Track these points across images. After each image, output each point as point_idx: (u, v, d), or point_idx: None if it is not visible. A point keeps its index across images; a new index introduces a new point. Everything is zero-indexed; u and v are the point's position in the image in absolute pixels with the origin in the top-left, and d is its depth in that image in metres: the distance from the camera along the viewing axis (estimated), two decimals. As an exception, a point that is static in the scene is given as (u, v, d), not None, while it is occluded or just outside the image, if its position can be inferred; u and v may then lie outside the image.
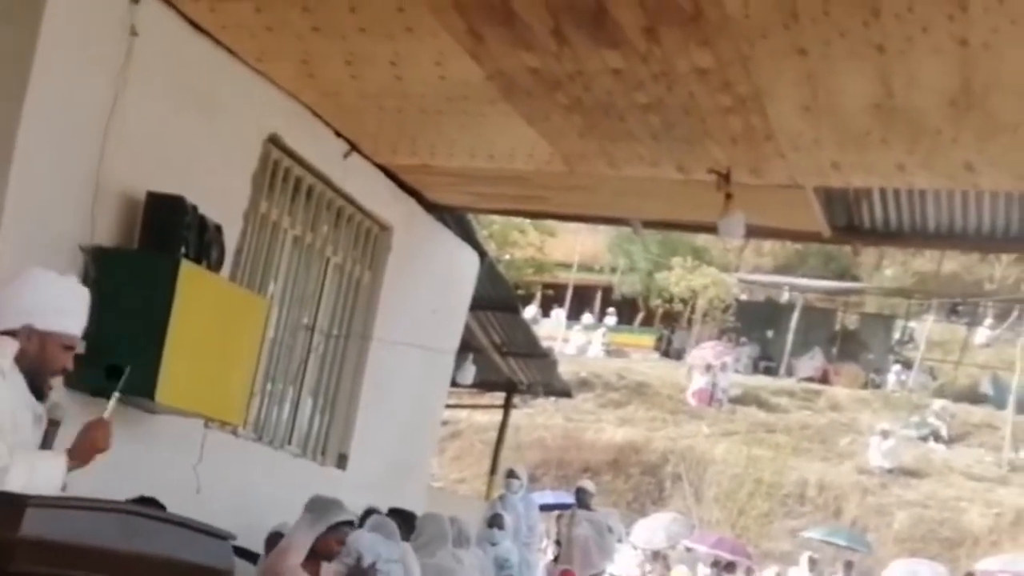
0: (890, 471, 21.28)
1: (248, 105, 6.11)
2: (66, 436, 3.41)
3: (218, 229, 5.55)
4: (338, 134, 6.91)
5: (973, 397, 26.18)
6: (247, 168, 6.23)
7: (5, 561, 2.91)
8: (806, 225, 7.48)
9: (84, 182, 5.00)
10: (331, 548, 5.72)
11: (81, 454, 3.34)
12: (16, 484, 3.08)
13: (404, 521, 7.28)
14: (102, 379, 4.99)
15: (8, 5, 4.76)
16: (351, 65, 5.84)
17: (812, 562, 16.93)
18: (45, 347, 3.32)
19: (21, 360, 3.28)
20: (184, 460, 5.70)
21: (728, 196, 6.45)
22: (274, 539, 6.01)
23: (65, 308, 3.38)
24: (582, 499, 11.65)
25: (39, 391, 3.35)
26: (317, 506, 5.78)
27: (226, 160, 6.02)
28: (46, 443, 3.36)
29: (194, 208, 5.35)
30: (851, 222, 7.51)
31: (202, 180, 5.61)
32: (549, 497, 15.98)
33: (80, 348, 4.93)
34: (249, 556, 5.78)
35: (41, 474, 3.18)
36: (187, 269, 5.19)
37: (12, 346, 3.26)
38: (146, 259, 5.20)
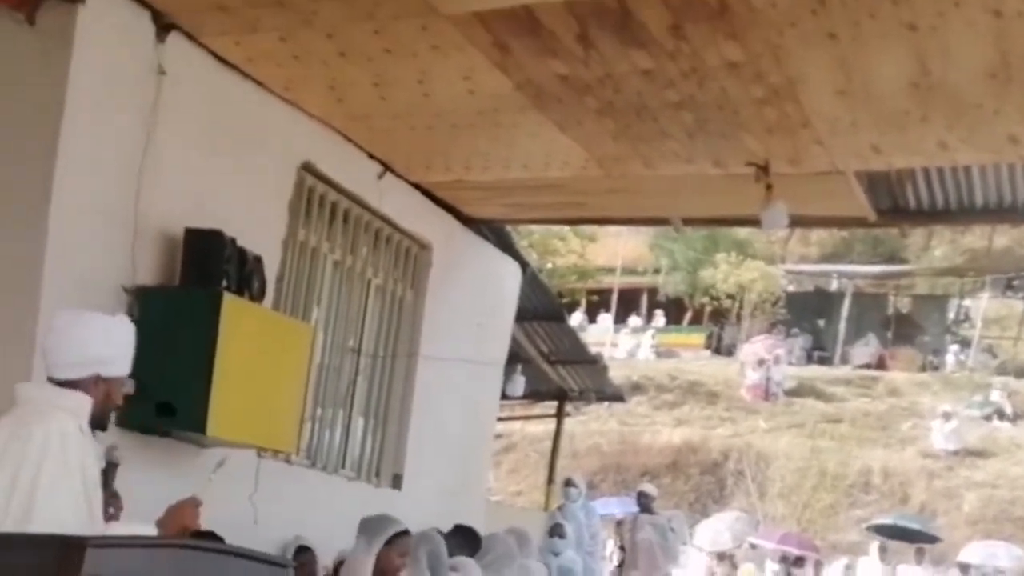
0: (955, 453, 21.04)
1: (280, 134, 6.13)
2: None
3: (258, 260, 5.56)
4: (371, 156, 6.93)
5: (1036, 372, 25.83)
6: (283, 197, 6.26)
7: (72, 602, 2.92)
8: (850, 211, 7.39)
9: (122, 222, 5.04)
10: (393, 562, 5.70)
11: (170, 529, 3.35)
12: None
13: (468, 538, 7.26)
14: (152, 417, 5.05)
15: (37, 52, 4.82)
16: (379, 87, 5.84)
17: (883, 550, 16.69)
18: (110, 393, 3.34)
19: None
20: (240, 492, 5.71)
21: (768, 187, 6.39)
22: (299, 552, 5.99)
23: (126, 352, 3.40)
24: (644, 504, 11.60)
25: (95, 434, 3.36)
26: (369, 526, 5.77)
27: (261, 190, 6.04)
28: (106, 486, 3.40)
29: (233, 241, 5.37)
30: (896, 204, 7.42)
31: (239, 212, 5.63)
32: (614, 505, 15.87)
33: (130, 388, 5.00)
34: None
35: None
36: (230, 301, 5.21)
37: (87, 403, 3.25)
38: (189, 295, 5.22)
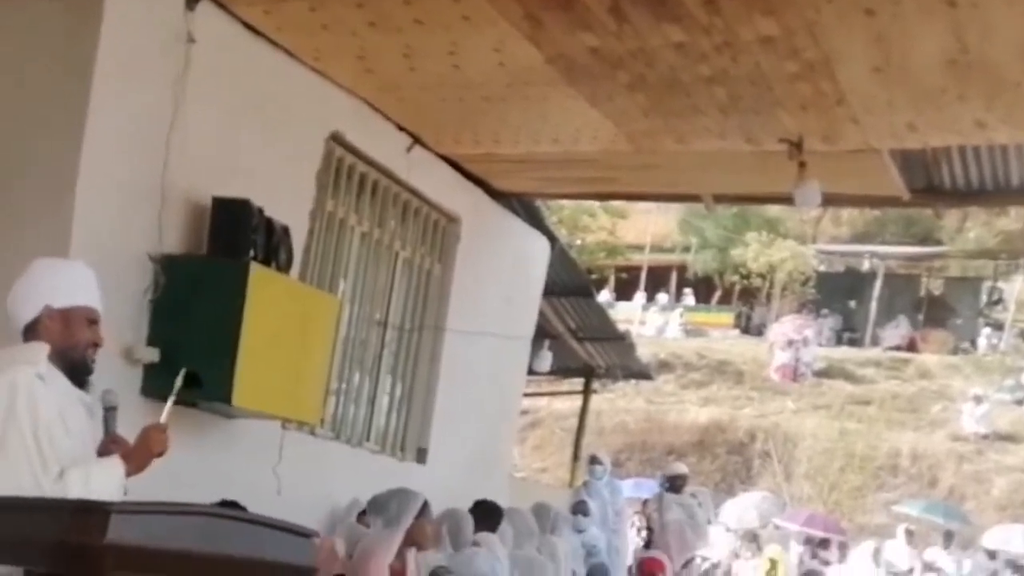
0: (985, 437, 20.96)
1: (308, 104, 6.10)
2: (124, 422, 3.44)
3: (285, 230, 5.55)
4: (400, 128, 6.89)
5: (1069, 356, 25.58)
6: (311, 167, 6.23)
7: (94, 568, 2.94)
8: (884, 190, 7.36)
9: (150, 192, 5.03)
10: (421, 535, 5.71)
11: (137, 459, 3.34)
12: (73, 493, 3.10)
13: (489, 513, 7.26)
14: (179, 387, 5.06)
15: (65, 22, 4.81)
16: (409, 58, 5.81)
17: (910, 534, 16.61)
18: (69, 324, 3.32)
19: (54, 354, 3.28)
20: (264, 462, 5.73)
21: (801, 165, 6.34)
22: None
23: (77, 283, 3.39)
24: (674, 484, 11.44)
25: (82, 381, 3.36)
26: (388, 502, 5.77)
27: (290, 161, 6.02)
28: (107, 430, 3.41)
29: (260, 211, 5.35)
30: (931, 183, 7.35)
31: (267, 182, 5.61)
32: (642, 489, 15.67)
33: (151, 356, 5.02)
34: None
35: (98, 481, 3.19)
36: (257, 272, 5.20)
37: (43, 348, 3.27)
38: (216, 264, 5.21)
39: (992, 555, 16.16)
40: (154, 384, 4.97)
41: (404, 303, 7.46)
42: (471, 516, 7.00)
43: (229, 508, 4.64)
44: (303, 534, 3.78)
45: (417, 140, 7.05)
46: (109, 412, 3.44)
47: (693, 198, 8.98)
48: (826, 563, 16.24)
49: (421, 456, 7.63)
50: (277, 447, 5.80)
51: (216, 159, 5.40)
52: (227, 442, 5.49)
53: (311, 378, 5.70)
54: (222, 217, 5.29)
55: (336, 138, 6.40)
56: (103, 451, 3.37)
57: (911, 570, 15.85)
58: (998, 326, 26.81)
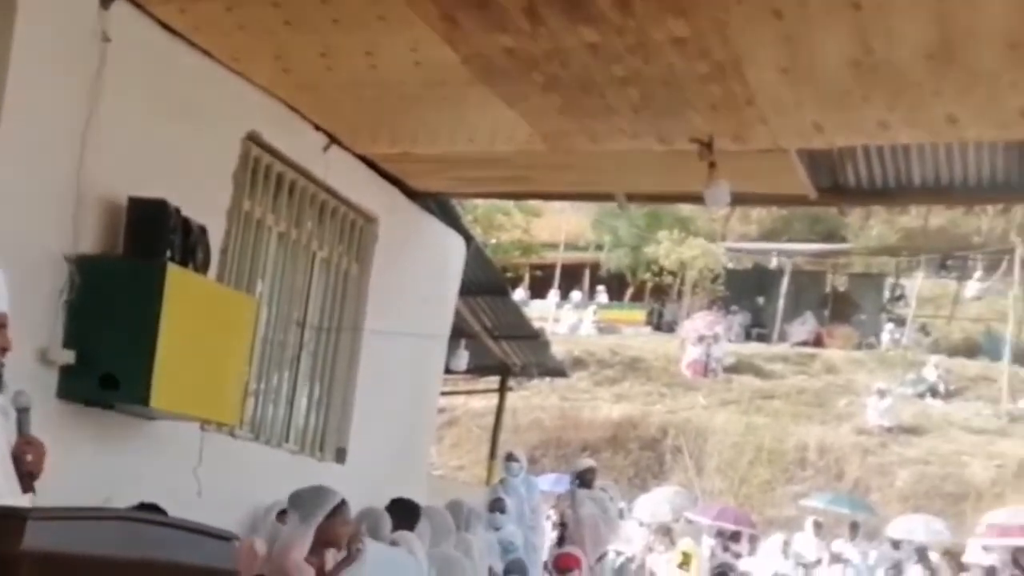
0: (889, 430, 21.41)
1: (225, 104, 6.07)
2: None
3: (203, 230, 5.52)
4: (317, 127, 6.88)
5: (968, 351, 26.32)
6: (228, 167, 6.20)
7: None
8: (792, 189, 7.46)
9: (64, 191, 4.97)
10: (338, 533, 5.67)
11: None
12: None
13: (407, 511, 7.27)
14: (96, 389, 5.01)
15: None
16: (326, 57, 5.81)
17: (817, 526, 16.99)
18: None
19: None
20: (183, 464, 5.68)
21: (712, 165, 6.41)
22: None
23: None
24: (584, 479, 11.56)
25: None
26: (305, 499, 5.73)
27: (206, 160, 5.98)
28: (21, 431, 3.37)
29: (177, 210, 5.32)
30: (836, 183, 7.48)
31: (183, 182, 5.57)
32: (553, 483, 15.77)
33: (66, 358, 4.95)
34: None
35: None
36: (174, 272, 5.16)
37: None
38: (132, 265, 5.17)
39: (896, 545, 16.61)
40: (70, 386, 4.91)
41: (322, 303, 7.45)
42: (389, 515, 7.01)
43: (148, 511, 4.62)
44: (224, 537, 3.78)
45: (334, 140, 7.04)
46: (22, 413, 3.40)
47: (607, 197, 9.00)
48: (737, 556, 16.53)
49: (340, 456, 7.63)
50: (196, 449, 5.76)
51: (132, 158, 5.35)
52: (145, 444, 5.44)
53: (229, 379, 5.67)
54: (138, 217, 5.24)
55: (253, 138, 6.38)
56: (17, 452, 3.33)
57: (819, 561, 16.22)
58: (900, 322, 27.43)
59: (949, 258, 29.44)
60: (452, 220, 9.00)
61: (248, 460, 6.55)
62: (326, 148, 7.02)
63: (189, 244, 5.39)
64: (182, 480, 5.61)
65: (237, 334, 5.73)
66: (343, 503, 5.71)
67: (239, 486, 6.26)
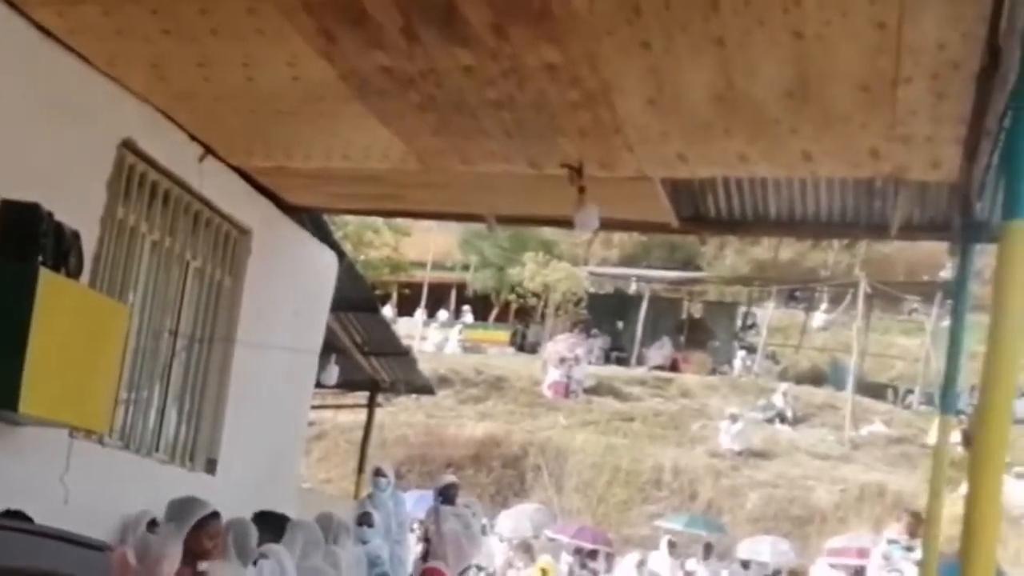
0: (740, 453, 21.91)
1: (101, 110, 6.04)
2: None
3: (76, 236, 5.47)
4: (193, 137, 6.87)
5: (814, 379, 27.26)
6: (102, 173, 6.16)
7: None
8: (655, 216, 7.64)
9: (-66, 192, 4.89)
10: (203, 545, 5.65)
11: None
12: None
13: (273, 523, 7.28)
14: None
15: None
16: (203, 68, 5.81)
17: (672, 545, 17.40)
18: None
19: None
20: (50, 471, 5.61)
21: (581, 190, 6.55)
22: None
23: None
24: (447, 495, 11.65)
25: None
26: (176, 509, 5.73)
27: (81, 166, 5.93)
28: None
29: (50, 215, 5.26)
30: (697, 212, 7.70)
31: (57, 187, 5.52)
32: (417, 503, 15.74)
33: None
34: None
35: None
36: (46, 277, 5.11)
37: None
38: (3, 269, 5.09)
39: (746, 565, 17.17)
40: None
41: (195, 314, 7.41)
42: (255, 526, 7.00)
43: (14, 519, 4.56)
44: (95, 547, 3.75)
45: (210, 150, 7.03)
46: None
47: (477, 218, 9.02)
48: (595, 573, 16.81)
49: (211, 467, 7.58)
50: (64, 456, 5.69)
51: (5, 161, 5.27)
52: (11, 450, 5.34)
53: (100, 386, 5.62)
54: (10, 220, 5.17)
55: (128, 145, 6.34)
56: None
57: (672, 579, 16.62)
58: (752, 349, 28.21)
59: (798, 289, 30.42)
60: (325, 236, 9.03)
61: (117, 469, 6.47)
62: (201, 158, 7.00)
63: (62, 249, 5.34)
64: (49, 487, 5.53)
65: (108, 341, 5.69)
66: (213, 514, 5.71)
67: (107, 495, 6.17)
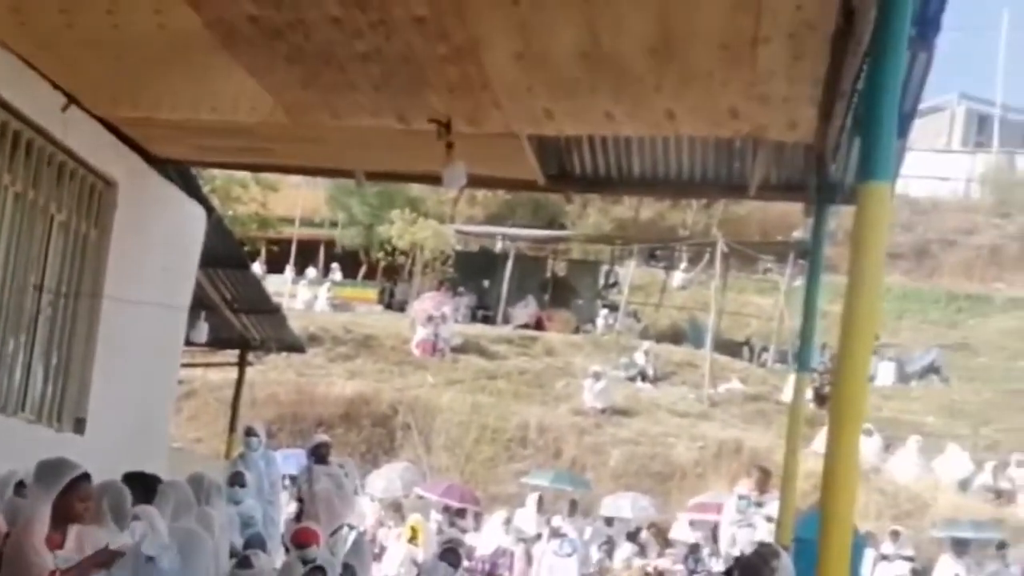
0: (603, 411, 22.13)
1: (-42, 57, 5.86)
2: None
3: (-66, 186, 5.33)
4: (56, 86, 6.71)
5: (674, 337, 27.86)
6: (-40, 122, 5.99)
7: None
8: (522, 173, 7.72)
9: None
10: (74, 508, 5.50)
11: None
12: None
13: (143, 484, 7.19)
14: None
15: None
16: (66, 14, 5.69)
17: (540, 502, 17.70)
18: None
19: None
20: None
21: (449, 146, 6.59)
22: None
23: None
24: (319, 454, 11.61)
25: None
26: (44, 471, 5.59)
27: (-63, 114, 5.76)
28: None
29: (-94, 165, 5.13)
30: (563, 170, 7.81)
31: (-86, 136, 5.37)
32: (291, 464, 15.58)
33: None
34: None
35: None
36: (-96, 228, 4.99)
37: None
38: None
39: (609, 522, 17.60)
40: None
41: (60, 268, 7.26)
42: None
43: None
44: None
45: (73, 100, 6.87)
46: None
47: (346, 174, 9.04)
48: (463, 531, 16.95)
49: (79, 426, 7.45)
50: (-79, 414, 5.55)
51: None
52: None
53: (-39, 342, 5.50)
54: None
55: (-13, 93, 6.18)
56: None
57: (539, 536, 16.92)
58: (614, 308, 28.54)
59: (658, 248, 30.82)
60: (193, 190, 8.91)
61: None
62: (65, 108, 6.84)
63: (-80, 200, 5.20)
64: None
65: (-31, 295, 5.56)
66: (82, 476, 5.49)
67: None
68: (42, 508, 5.31)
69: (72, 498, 5.34)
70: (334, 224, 32.40)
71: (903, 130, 5.38)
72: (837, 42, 5.20)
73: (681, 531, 17.45)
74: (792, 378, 9.83)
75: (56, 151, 6.98)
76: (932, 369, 26.41)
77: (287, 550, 9.41)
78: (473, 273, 28.79)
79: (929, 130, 34.44)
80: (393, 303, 29.28)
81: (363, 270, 31.73)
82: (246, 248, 16.48)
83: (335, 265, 31.16)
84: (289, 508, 12.40)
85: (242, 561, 7.94)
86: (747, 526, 13.26)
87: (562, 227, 31.78)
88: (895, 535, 16.45)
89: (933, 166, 35.11)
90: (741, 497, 13.51)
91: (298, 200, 30.98)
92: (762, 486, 13.22)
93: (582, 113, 6.47)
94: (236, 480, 9.70)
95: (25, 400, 7.00)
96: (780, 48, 5.38)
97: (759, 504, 13.15)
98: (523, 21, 5.35)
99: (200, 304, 10.35)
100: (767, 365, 25.91)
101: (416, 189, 28.39)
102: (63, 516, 5.31)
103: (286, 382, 21.81)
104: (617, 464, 20.94)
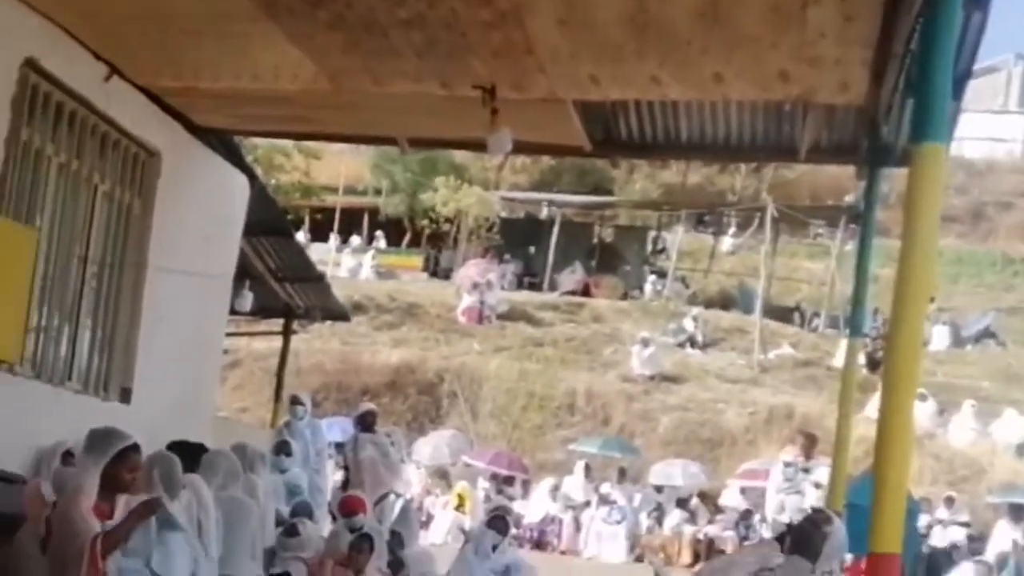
0: (651, 378, 22.07)
1: (2, 29, 5.85)
2: None
3: (-21, 158, 5.34)
4: (98, 57, 6.70)
5: (723, 303, 27.68)
6: (5, 94, 6.00)
7: None
8: (568, 139, 7.65)
9: None
10: (123, 479, 5.53)
11: None
12: None
13: (191, 454, 7.22)
14: None
15: None
16: (109, -17, 5.69)
17: (588, 469, 17.70)
18: None
19: None
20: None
21: (494, 112, 6.53)
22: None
23: None
24: (365, 423, 11.66)
25: None
26: (94, 441, 5.62)
27: (-18, 85, 5.77)
28: None
29: (-48, 136, 5.13)
30: (610, 135, 7.72)
31: (-42, 108, 5.37)
32: (336, 431, 15.67)
33: None
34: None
35: None
36: (-51, 201, 5.01)
37: None
38: (-97, 192, 4.98)
39: (659, 489, 17.55)
40: None
41: (104, 239, 7.27)
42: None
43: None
44: (9, 479, 3.69)
45: (116, 70, 6.87)
46: None
47: (389, 141, 8.92)
48: (511, 499, 16.98)
49: (125, 396, 7.48)
50: (-27, 386, 5.59)
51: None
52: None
53: (8, 314, 5.54)
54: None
55: (31, 64, 6.17)
56: None
57: (587, 503, 16.92)
58: (662, 274, 28.43)
59: (706, 214, 30.61)
60: (236, 159, 8.89)
61: (29, 399, 6.35)
62: (107, 78, 6.84)
63: (-35, 172, 5.22)
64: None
65: (15, 267, 5.59)
66: (132, 446, 5.52)
67: (19, 426, 6.06)
68: (91, 477, 5.34)
69: (121, 468, 5.38)
70: (378, 192, 32.43)
71: (958, 91, 5.25)
72: (889, 3, 5.07)
73: (731, 498, 17.36)
74: (844, 343, 9.72)
75: (99, 121, 6.99)
76: (988, 333, 26.03)
77: (334, 518, 9.50)
78: (519, 240, 28.74)
79: (985, 91, 33.70)
80: (438, 271, 29.32)
81: (407, 238, 31.76)
82: (289, 217, 16.48)
83: (379, 233, 31.22)
84: (335, 476, 12.47)
85: (289, 529, 8.01)
86: (795, 493, 13.14)
87: (608, 193, 31.62)
88: (950, 501, 16.28)
89: (989, 127, 34.47)
90: (787, 464, 13.38)
91: (341, 168, 30.99)
92: (807, 452, 13.10)
93: (628, 78, 6.38)
94: (282, 449, 9.76)
95: (72, 370, 7.04)
96: (831, 9, 5.27)
97: (806, 470, 13.04)
98: (566, -15, 5.26)
99: (244, 273, 10.36)
100: (818, 330, 25.65)
101: (459, 156, 28.31)
102: (112, 486, 5.35)
103: (331, 351, 21.91)
104: (666, 431, 20.86)
